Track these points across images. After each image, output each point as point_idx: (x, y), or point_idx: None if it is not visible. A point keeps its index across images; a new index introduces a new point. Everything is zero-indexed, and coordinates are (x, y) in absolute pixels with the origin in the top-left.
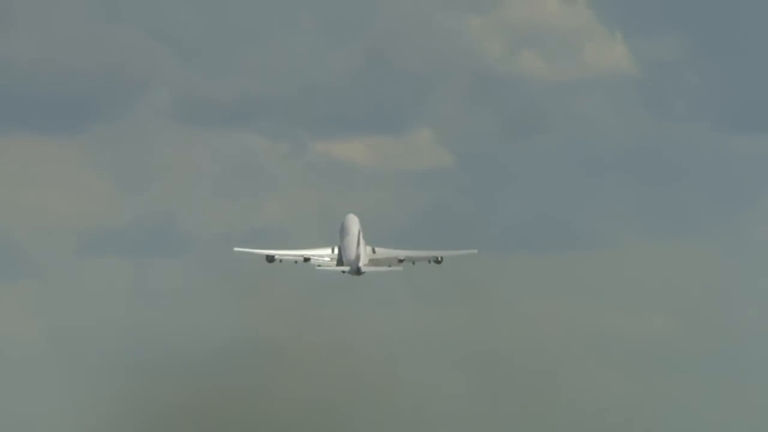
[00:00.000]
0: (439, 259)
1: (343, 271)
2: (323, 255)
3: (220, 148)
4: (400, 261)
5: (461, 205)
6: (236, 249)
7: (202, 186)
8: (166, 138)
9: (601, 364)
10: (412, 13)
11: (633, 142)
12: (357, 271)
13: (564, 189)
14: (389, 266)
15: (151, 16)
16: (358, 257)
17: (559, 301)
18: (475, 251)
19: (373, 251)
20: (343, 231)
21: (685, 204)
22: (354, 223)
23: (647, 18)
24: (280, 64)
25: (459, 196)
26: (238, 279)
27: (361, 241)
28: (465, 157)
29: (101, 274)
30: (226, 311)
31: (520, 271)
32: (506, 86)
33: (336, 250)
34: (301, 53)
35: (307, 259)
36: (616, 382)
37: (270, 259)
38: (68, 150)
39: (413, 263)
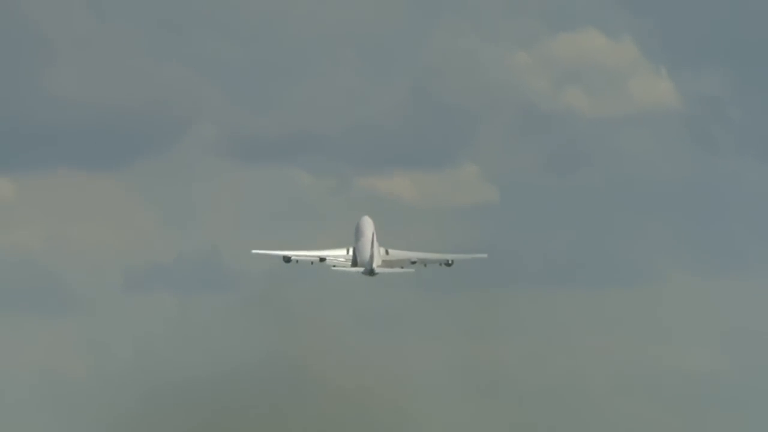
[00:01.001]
0: (450, 261)
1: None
2: (338, 256)
3: (266, 183)
4: (413, 263)
5: (506, 241)
6: (254, 251)
7: (248, 221)
8: (212, 173)
9: (647, 401)
10: (457, 49)
11: (678, 177)
12: (370, 272)
13: (609, 224)
14: (402, 267)
15: (196, 52)
16: (371, 258)
17: (605, 336)
18: (485, 255)
19: (387, 253)
20: (357, 233)
21: (732, 239)
22: (368, 226)
23: (692, 53)
24: (326, 99)
25: (504, 231)
26: (283, 314)
27: (375, 242)
28: (510, 192)
29: (147, 309)
30: (272, 345)
31: (565, 306)
32: (551, 122)
33: (351, 251)
34: (347, 89)
35: (322, 260)
36: (662, 419)
37: (287, 259)
38: (115, 185)
39: (425, 265)
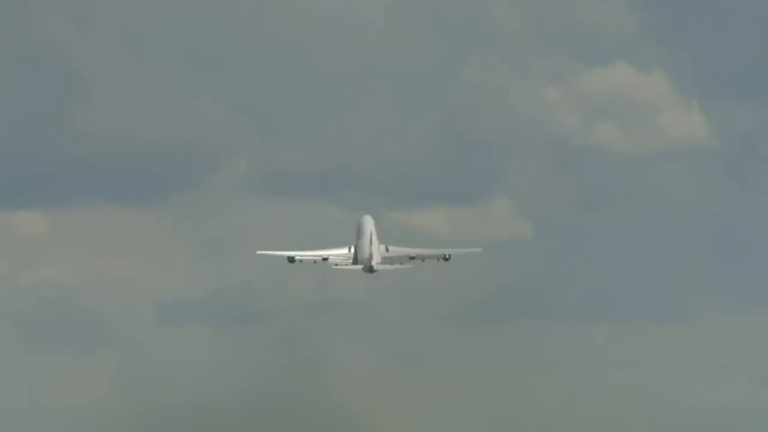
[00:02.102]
0: (447, 256)
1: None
2: (340, 254)
3: (298, 217)
4: (411, 258)
5: (539, 275)
6: (258, 252)
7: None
8: (245, 208)
9: None
10: (489, 84)
11: (710, 212)
12: (370, 269)
13: (641, 259)
14: (401, 264)
15: (229, 87)
16: (371, 256)
17: (637, 372)
18: (480, 250)
19: (386, 249)
20: (358, 231)
21: (764, 275)
22: (368, 224)
23: (723, 87)
24: (358, 134)
25: (537, 266)
26: (316, 349)
27: (375, 240)
28: (543, 227)
29: (180, 344)
30: (303, 379)
31: (598, 341)
32: (583, 156)
33: (352, 250)
34: (379, 123)
35: (325, 259)
36: None
37: (291, 259)
38: (147, 220)
39: (423, 260)
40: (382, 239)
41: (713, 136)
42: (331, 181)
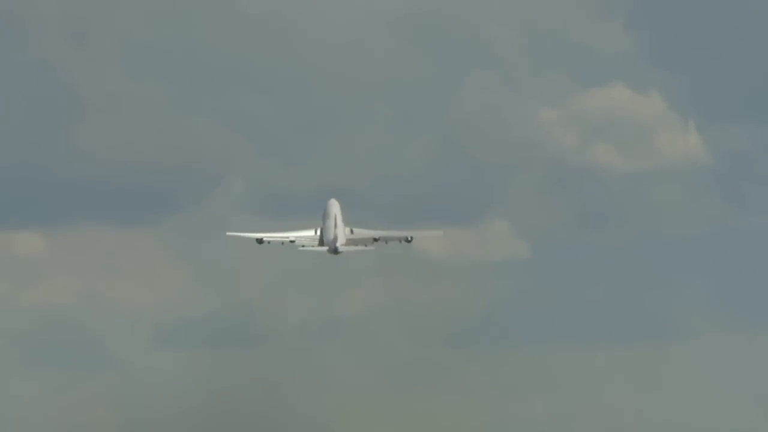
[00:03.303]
0: (409, 238)
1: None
2: (307, 236)
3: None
4: (375, 240)
5: (537, 296)
6: (228, 233)
7: (278, 276)
8: (242, 228)
9: None
10: (486, 105)
11: (708, 232)
12: (335, 251)
13: (640, 279)
14: (365, 246)
15: (226, 107)
16: (336, 238)
17: (636, 393)
18: (441, 233)
19: (351, 232)
20: (324, 214)
21: (762, 295)
22: (334, 207)
23: (720, 107)
24: (355, 154)
25: (534, 286)
26: (314, 369)
27: (340, 223)
28: (540, 247)
29: (178, 365)
30: (303, 401)
31: (596, 362)
32: (580, 177)
33: (318, 232)
34: (376, 143)
35: (292, 241)
36: None
37: (260, 241)
38: (145, 241)
39: (386, 242)
40: (346, 222)
41: (710, 157)
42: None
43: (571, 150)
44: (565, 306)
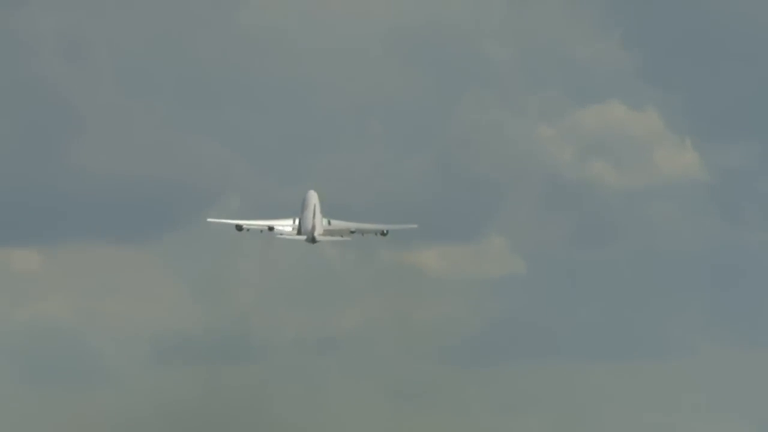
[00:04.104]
0: (385, 231)
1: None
2: (286, 225)
3: (292, 254)
4: (352, 232)
5: (534, 313)
6: (209, 220)
7: (275, 293)
8: (238, 245)
9: None
10: (483, 122)
11: (704, 248)
12: (312, 240)
13: (636, 296)
14: (342, 236)
15: (223, 124)
16: (314, 227)
17: (634, 409)
18: (415, 226)
19: (329, 223)
20: (303, 205)
21: (760, 311)
22: (312, 198)
23: (716, 124)
24: (352, 171)
25: (531, 303)
26: (311, 386)
27: (318, 213)
28: (537, 264)
29: (175, 381)
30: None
31: (593, 378)
32: (577, 194)
33: (297, 221)
34: (373, 160)
35: (271, 228)
36: None
37: (239, 228)
38: (142, 257)
39: (362, 234)
40: (325, 213)
41: (706, 173)
42: (325, 218)
43: (568, 166)
44: (562, 322)
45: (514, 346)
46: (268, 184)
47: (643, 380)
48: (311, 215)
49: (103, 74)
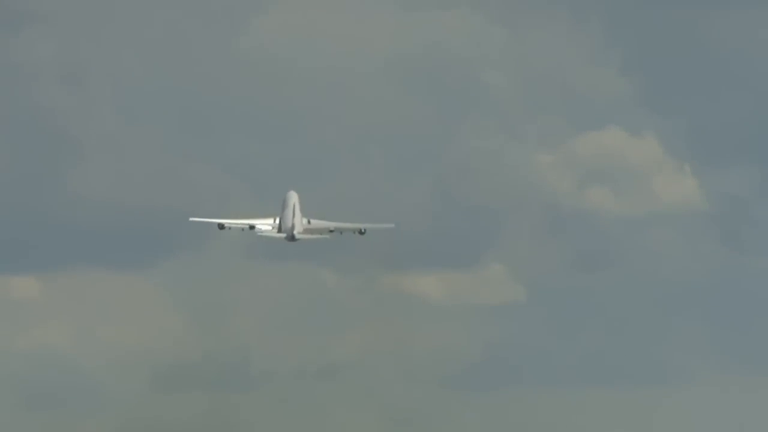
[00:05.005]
0: (363, 230)
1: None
2: (267, 224)
3: (293, 282)
4: (331, 231)
5: (533, 340)
6: (191, 219)
7: (275, 321)
8: (239, 273)
9: None
10: (483, 148)
11: (704, 275)
12: (292, 238)
13: (636, 323)
14: (321, 235)
15: (222, 151)
16: (293, 226)
17: None
18: (392, 225)
19: (309, 222)
20: (283, 204)
21: (760, 338)
22: (292, 198)
23: (715, 150)
24: (352, 198)
25: (531, 330)
26: (311, 411)
27: (297, 213)
28: (536, 291)
29: (175, 408)
30: None
31: (593, 405)
32: (576, 221)
33: (277, 220)
34: (373, 187)
35: (252, 227)
36: None
37: (221, 226)
38: (141, 284)
39: (341, 233)
40: (304, 213)
41: (705, 200)
42: (324, 246)
43: (567, 194)
44: (562, 349)
45: (513, 372)
46: (268, 211)
47: (642, 407)
48: (291, 214)
49: (101, 102)
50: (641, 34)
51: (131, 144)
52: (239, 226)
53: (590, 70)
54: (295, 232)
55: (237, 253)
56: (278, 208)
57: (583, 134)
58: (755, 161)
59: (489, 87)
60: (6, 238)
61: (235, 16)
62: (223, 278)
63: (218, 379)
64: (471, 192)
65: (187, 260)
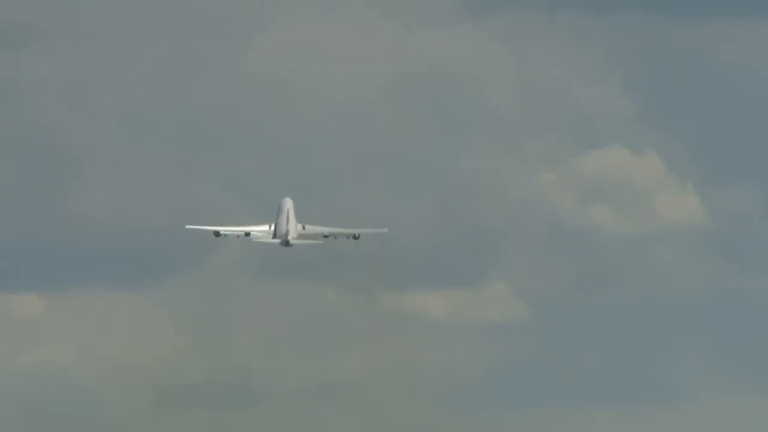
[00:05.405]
0: (357, 235)
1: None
2: (261, 230)
3: (295, 301)
4: (325, 236)
5: (537, 359)
6: (187, 227)
7: (276, 338)
8: (241, 291)
9: None
10: (485, 167)
11: (708, 294)
12: (286, 243)
13: (639, 342)
14: (315, 240)
15: (225, 170)
16: (287, 232)
17: None
18: (386, 230)
19: (303, 228)
20: (278, 210)
21: (762, 358)
22: (287, 204)
23: (718, 168)
24: (353, 216)
25: (534, 348)
26: (313, 430)
27: (292, 218)
28: (539, 309)
29: (177, 426)
30: None
31: (596, 425)
32: (579, 239)
33: (272, 227)
34: (374, 205)
35: (247, 234)
36: None
37: (216, 234)
38: (145, 303)
39: (335, 238)
40: (299, 219)
41: (709, 218)
42: (327, 264)
43: (570, 212)
44: (565, 368)
45: (516, 391)
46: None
47: (646, 426)
48: (285, 220)
49: (103, 120)
50: (643, 52)
51: (133, 162)
52: (235, 233)
53: (592, 88)
54: (289, 237)
55: (239, 271)
56: (273, 216)
57: (585, 152)
58: (759, 179)
59: (491, 105)
60: (8, 255)
61: (236, 34)
62: (225, 296)
63: (220, 397)
64: (473, 210)
65: (188, 279)
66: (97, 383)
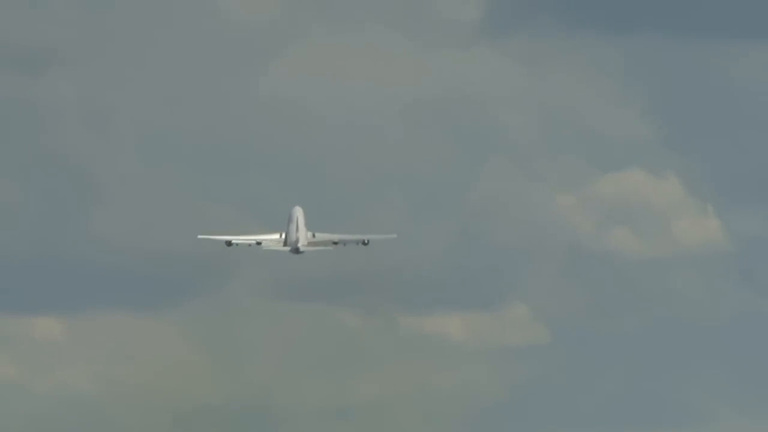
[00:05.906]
0: (366, 241)
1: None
2: (272, 239)
3: (313, 324)
4: (335, 243)
5: (556, 382)
6: (200, 236)
7: (294, 361)
8: (260, 315)
9: None
10: (503, 190)
11: (728, 318)
12: (297, 251)
13: (659, 365)
14: (325, 246)
15: (243, 193)
16: (297, 239)
17: None
18: (395, 236)
19: (314, 236)
20: (289, 219)
21: None
22: (296, 212)
23: (738, 191)
24: (373, 240)
25: (554, 371)
26: None
27: (302, 226)
28: (559, 332)
29: None
30: None
31: None
32: (598, 262)
33: (283, 235)
34: (393, 229)
35: (259, 243)
36: None
37: (228, 243)
38: (163, 326)
39: (345, 245)
40: (309, 227)
41: (729, 242)
42: (346, 287)
43: (589, 235)
44: (584, 392)
45: (535, 415)
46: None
47: None
48: (295, 228)
49: (123, 144)
50: (663, 75)
51: (153, 186)
52: (246, 242)
53: (612, 111)
54: (299, 245)
55: (257, 293)
56: (284, 225)
57: (604, 175)
58: None
59: (509, 128)
60: (29, 278)
61: (256, 57)
62: (244, 319)
63: (238, 420)
64: (492, 233)
65: (208, 302)
66: (115, 406)
